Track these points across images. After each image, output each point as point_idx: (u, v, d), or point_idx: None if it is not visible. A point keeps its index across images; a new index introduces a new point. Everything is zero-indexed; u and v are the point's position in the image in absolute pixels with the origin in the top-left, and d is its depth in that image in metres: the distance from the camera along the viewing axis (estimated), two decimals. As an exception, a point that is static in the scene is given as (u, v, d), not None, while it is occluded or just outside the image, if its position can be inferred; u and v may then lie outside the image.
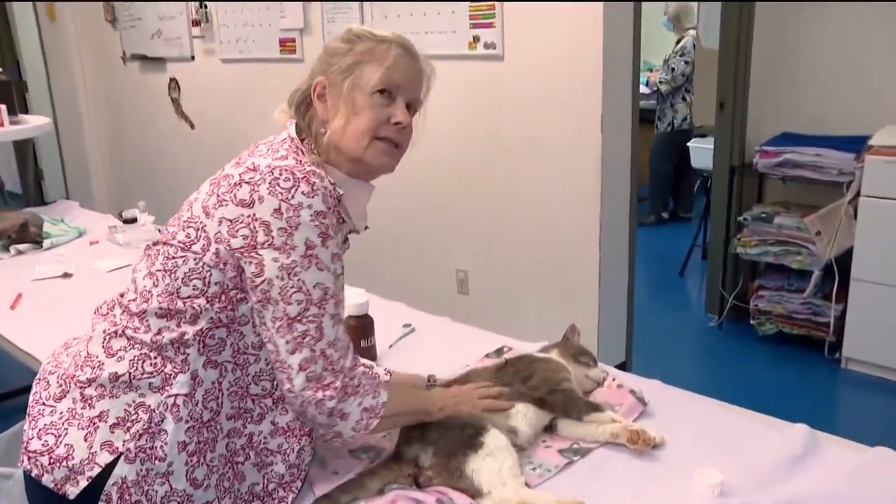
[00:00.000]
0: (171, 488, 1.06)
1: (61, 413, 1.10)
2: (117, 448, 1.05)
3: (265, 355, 1.12)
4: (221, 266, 1.07)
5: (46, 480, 1.06)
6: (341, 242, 1.23)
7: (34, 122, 3.37)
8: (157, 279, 1.10)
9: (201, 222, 1.08)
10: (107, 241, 2.60)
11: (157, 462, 1.05)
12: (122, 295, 1.16)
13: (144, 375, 1.08)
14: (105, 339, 1.11)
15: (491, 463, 1.13)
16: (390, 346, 1.72)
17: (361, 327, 1.60)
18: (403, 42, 1.19)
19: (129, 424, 1.06)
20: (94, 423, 1.07)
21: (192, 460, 1.08)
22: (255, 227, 1.04)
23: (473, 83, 2.92)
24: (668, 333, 3.69)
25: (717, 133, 3.63)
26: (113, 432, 1.06)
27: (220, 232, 1.06)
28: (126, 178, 5.10)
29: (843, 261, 3.06)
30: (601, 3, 2.48)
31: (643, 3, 2.67)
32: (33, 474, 1.07)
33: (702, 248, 4.47)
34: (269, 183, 1.04)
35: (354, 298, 1.60)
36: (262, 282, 1.05)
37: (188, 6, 4.04)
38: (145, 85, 4.60)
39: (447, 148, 3.06)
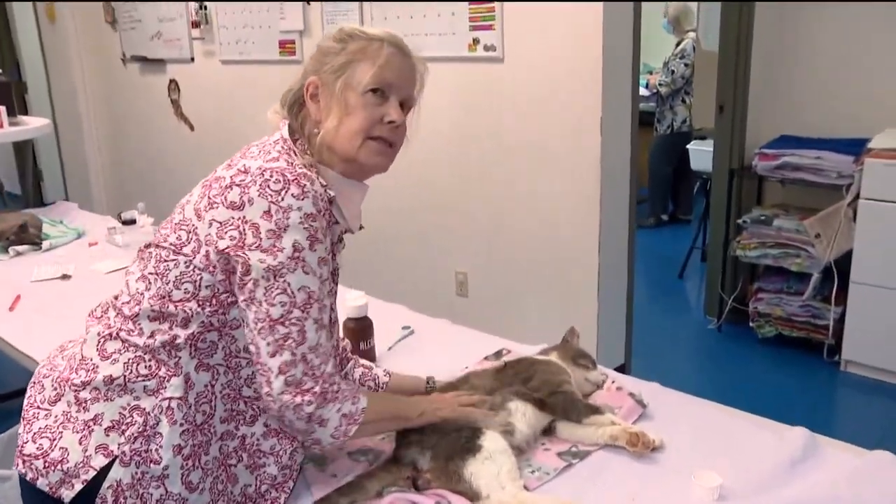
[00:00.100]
0: (167, 491, 1.06)
1: (56, 416, 1.09)
2: (112, 451, 1.05)
3: None
4: (211, 269, 1.06)
5: (41, 484, 1.06)
6: (336, 243, 1.22)
7: (34, 124, 3.37)
8: (150, 282, 1.10)
9: (193, 225, 1.08)
10: (106, 243, 2.60)
11: (152, 465, 1.05)
12: (115, 297, 1.16)
13: (139, 378, 1.07)
14: (99, 342, 1.11)
15: (489, 466, 1.13)
16: (389, 349, 1.72)
17: (360, 329, 1.60)
18: (395, 40, 1.18)
19: (123, 427, 1.06)
20: (89, 427, 1.06)
21: (187, 463, 1.07)
22: (244, 230, 1.04)
23: (473, 85, 2.92)
24: (667, 336, 3.69)
25: (716, 135, 3.63)
26: (108, 435, 1.06)
27: (209, 234, 1.06)
28: (125, 180, 5.10)
29: (843, 263, 3.06)
30: (601, 4, 2.48)
31: (643, 6, 2.67)
32: (28, 478, 1.07)
33: (701, 250, 4.47)
34: (260, 185, 1.04)
35: (354, 301, 1.60)
36: (249, 281, 1.04)
37: (188, 8, 4.04)
38: (145, 86, 4.60)
39: (447, 149, 3.06)
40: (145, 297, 1.09)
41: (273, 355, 1.05)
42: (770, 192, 3.53)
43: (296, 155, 1.13)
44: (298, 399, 1.05)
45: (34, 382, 1.16)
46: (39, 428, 1.09)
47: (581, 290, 2.76)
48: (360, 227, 1.25)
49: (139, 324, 1.09)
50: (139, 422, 1.06)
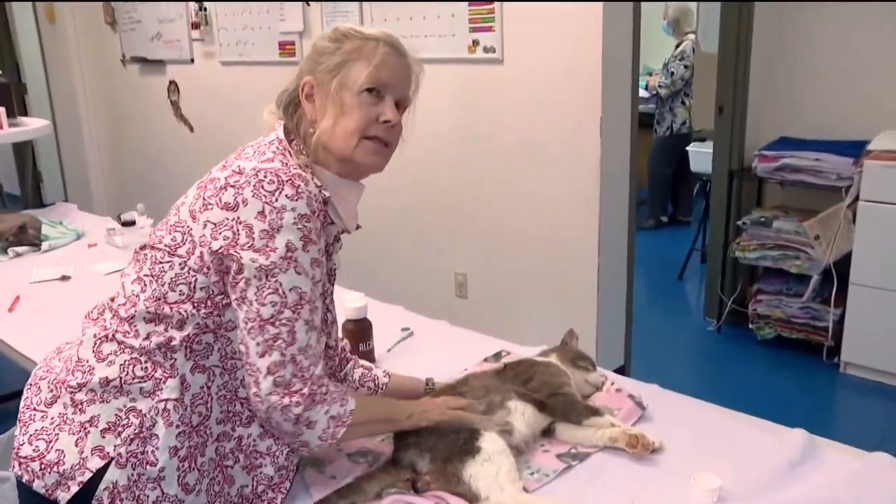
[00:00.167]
0: (163, 493, 1.06)
1: (52, 418, 1.09)
2: (108, 453, 1.05)
3: None
4: (205, 270, 1.06)
5: (37, 486, 1.05)
6: (332, 243, 1.22)
7: (33, 125, 3.37)
8: (145, 284, 1.09)
9: (188, 226, 1.08)
10: (105, 244, 2.60)
11: (148, 467, 1.05)
12: (112, 299, 1.16)
13: (135, 380, 1.07)
14: (95, 344, 1.11)
15: (488, 468, 1.13)
16: (389, 350, 1.72)
17: (360, 331, 1.59)
18: (391, 40, 1.18)
19: (120, 429, 1.06)
20: (85, 429, 1.06)
21: (183, 465, 1.07)
22: (237, 230, 1.03)
23: (473, 87, 2.93)
24: (666, 337, 3.69)
25: (716, 137, 3.63)
26: (104, 437, 1.05)
27: (204, 235, 1.06)
28: (125, 181, 5.09)
29: (842, 265, 3.06)
30: (600, 5, 2.48)
31: (643, 7, 2.67)
32: (24, 480, 1.07)
33: (701, 252, 4.47)
34: (254, 186, 1.04)
35: (353, 302, 1.60)
36: (241, 280, 1.04)
37: (188, 9, 4.04)
38: (145, 87, 4.60)
39: (447, 151, 3.06)
40: (141, 298, 1.09)
41: (262, 355, 1.04)
42: (769, 194, 3.53)
43: (291, 155, 1.13)
44: (286, 400, 1.04)
45: (31, 384, 1.16)
46: (35, 430, 1.09)
47: (581, 291, 2.76)
48: (358, 227, 1.25)
49: (135, 325, 1.09)
50: (135, 423, 1.06)
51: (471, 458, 1.14)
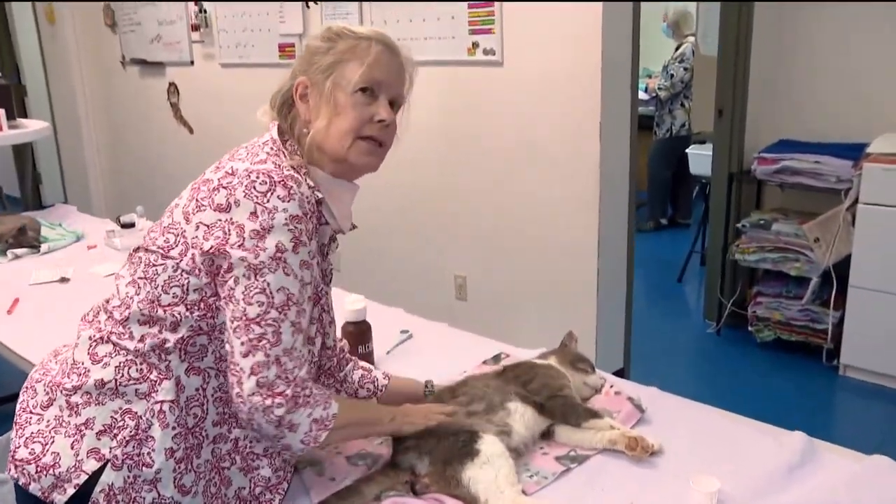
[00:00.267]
0: (159, 495, 1.06)
1: (48, 421, 1.09)
2: (104, 455, 1.04)
3: None
4: (197, 272, 1.05)
5: (34, 489, 1.05)
6: (328, 244, 1.22)
7: (33, 127, 3.37)
8: (139, 286, 1.09)
9: (181, 228, 1.08)
10: (104, 246, 2.60)
11: (144, 469, 1.05)
12: (107, 301, 1.15)
13: (131, 382, 1.07)
14: (90, 346, 1.11)
15: (487, 471, 1.13)
16: (388, 352, 1.71)
17: (359, 333, 1.59)
18: (384, 39, 1.17)
19: (115, 431, 1.05)
20: (81, 431, 1.06)
21: (179, 467, 1.07)
22: (228, 230, 1.03)
23: (473, 89, 2.92)
24: (666, 340, 3.68)
25: (715, 139, 3.63)
26: (99, 439, 1.05)
27: (196, 237, 1.05)
28: (124, 183, 5.09)
29: (842, 268, 3.06)
30: (600, 5, 2.48)
31: (642, 9, 2.67)
32: (20, 483, 1.07)
33: (700, 254, 4.47)
34: (245, 187, 1.03)
35: (352, 304, 1.60)
36: (230, 278, 1.03)
37: (188, 11, 4.04)
38: (144, 89, 4.60)
39: (447, 153, 3.06)
40: (135, 301, 1.08)
41: (246, 355, 1.03)
42: (769, 197, 3.53)
43: (285, 156, 1.12)
44: (269, 402, 1.03)
45: (27, 387, 1.16)
46: (31, 433, 1.09)
47: (580, 293, 2.76)
48: (353, 227, 1.25)
49: (129, 328, 1.08)
50: (131, 425, 1.05)
51: (470, 461, 1.14)
